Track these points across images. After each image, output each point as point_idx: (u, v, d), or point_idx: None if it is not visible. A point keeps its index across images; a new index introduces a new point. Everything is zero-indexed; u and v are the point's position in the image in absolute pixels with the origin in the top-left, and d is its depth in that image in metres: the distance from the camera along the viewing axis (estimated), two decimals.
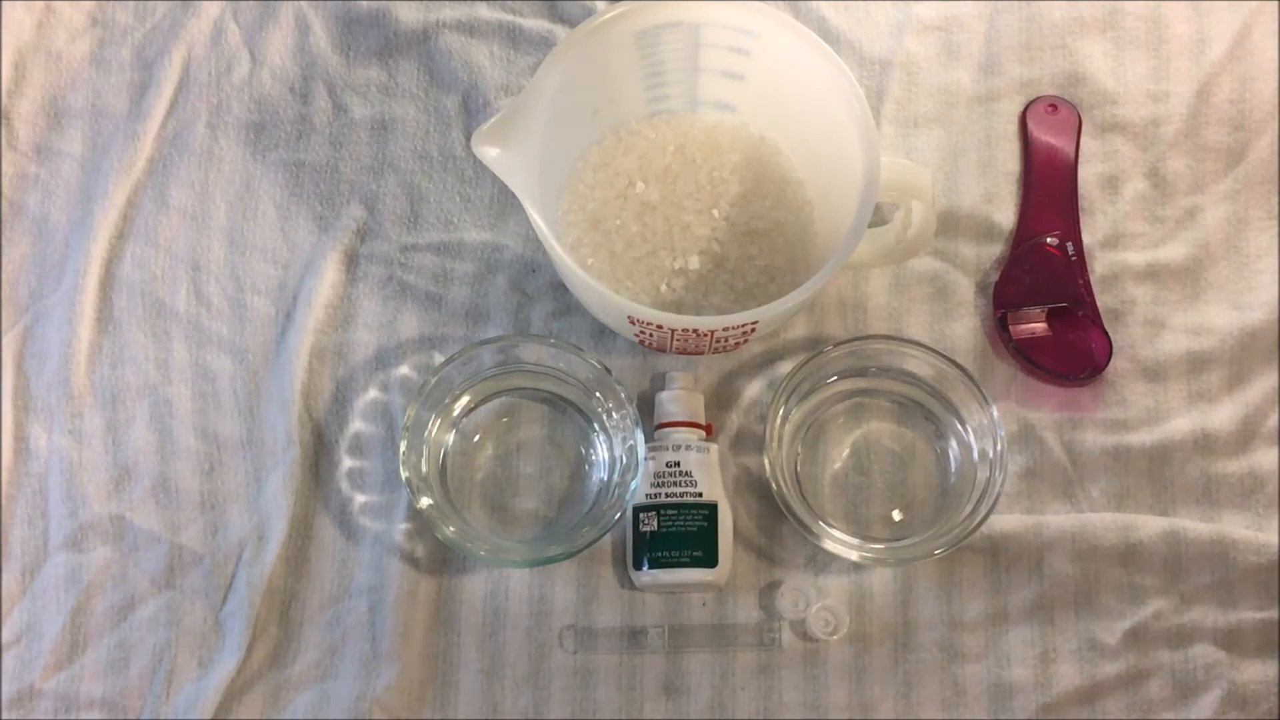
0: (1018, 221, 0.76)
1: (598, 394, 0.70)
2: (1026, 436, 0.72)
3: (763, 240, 0.72)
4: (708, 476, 0.69)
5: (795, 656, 0.69)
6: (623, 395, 0.68)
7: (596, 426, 0.71)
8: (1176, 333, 0.74)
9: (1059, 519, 0.70)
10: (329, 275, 0.74)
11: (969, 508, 0.68)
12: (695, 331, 0.66)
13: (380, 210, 0.76)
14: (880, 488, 0.71)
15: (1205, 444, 0.72)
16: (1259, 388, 0.73)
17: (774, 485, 0.68)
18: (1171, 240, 0.76)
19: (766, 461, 0.68)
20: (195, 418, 0.72)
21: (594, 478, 0.71)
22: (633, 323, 0.66)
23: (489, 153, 0.64)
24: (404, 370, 0.73)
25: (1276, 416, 0.72)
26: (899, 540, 0.69)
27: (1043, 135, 0.77)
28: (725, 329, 0.66)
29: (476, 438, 0.72)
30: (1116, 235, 0.76)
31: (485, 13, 0.79)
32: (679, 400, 0.70)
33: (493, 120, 0.64)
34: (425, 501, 0.67)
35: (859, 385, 0.72)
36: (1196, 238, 0.76)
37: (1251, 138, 0.77)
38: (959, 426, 0.71)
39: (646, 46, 0.70)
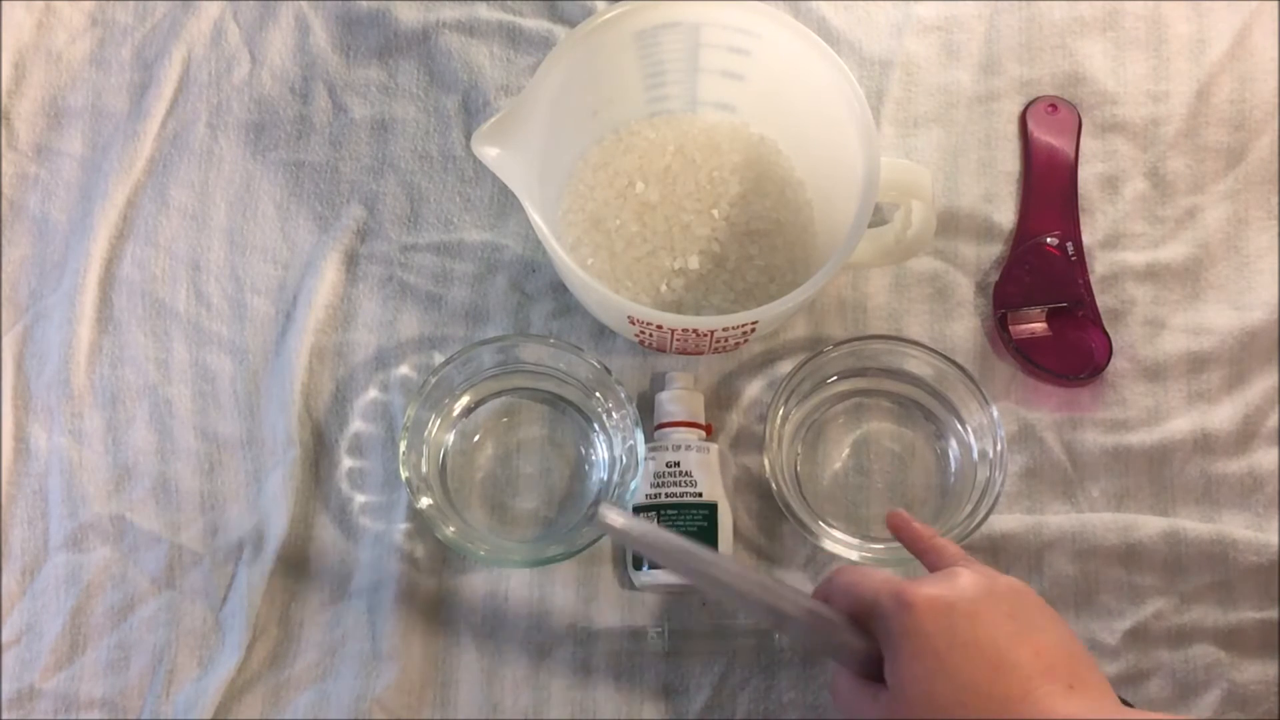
0: (1018, 221, 0.76)
1: (598, 394, 0.70)
2: (1026, 436, 0.72)
3: (763, 240, 0.72)
4: (708, 476, 0.69)
5: (795, 656, 0.69)
6: (623, 395, 0.68)
7: (596, 426, 0.71)
8: (1176, 333, 0.74)
9: (1059, 519, 0.70)
10: (329, 275, 0.74)
11: (969, 508, 0.68)
12: (695, 331, 0.66)
13: (380, 210, 0.76)
14: (880, 488, 0.71)
15: (1205, 444, 0.72)
16: (1259, 388, 0.73)
17: (774, 485, 0.68)
18: (1171, 240, 0.76)
19: (766, 461, 0.68)
20: (195, 418, 0.72)
21: (594, 478, 0.71)
22: (633, 323, 0.66)
23: (489, 153, 0.64)
24: (404, 370, 0.73)
25: (1276, 416, 0.72)
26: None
27: (1043, 135, 0.77)
28: (725, 329, 0.66)
29: (476, 438, 0.72)
30: (1116, 235, 0.76)
31: (485, 13, 0.79)
32: (679, 400, 0.70)
33: (493, 120, 0.64)
34: (425, 501, 0.67)
35: (859, 385, 0.72)
36: (1196, 238, 0.76)
37: (1251, 138, 0.77)
38: (959, 426, 0.71)
39: (646, 46, 0.70)
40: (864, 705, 0.57)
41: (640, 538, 0.59)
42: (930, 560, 0.60)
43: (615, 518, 0.59)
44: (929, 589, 0.55)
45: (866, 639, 0.57)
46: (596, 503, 0.61)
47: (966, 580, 0.55)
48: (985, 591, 0.55)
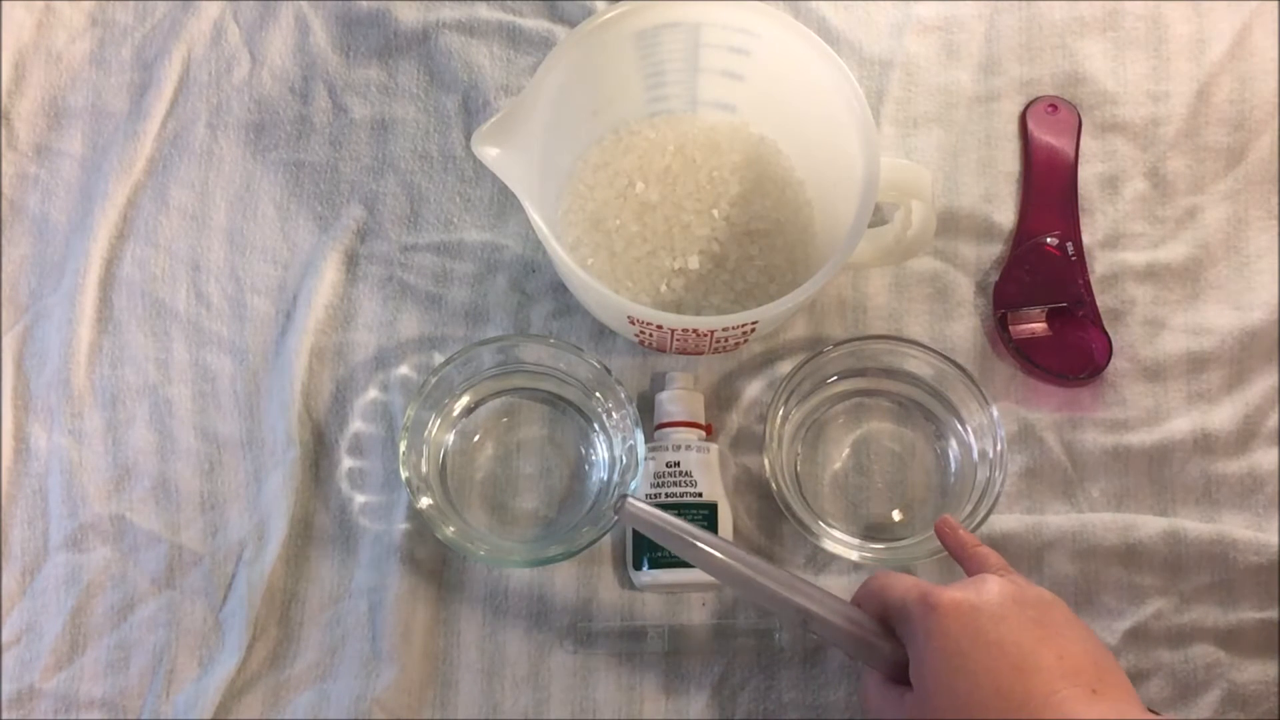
0: (1018, 221, 0.76)
1: (598, 394, 0.70)
2: (1026, 436, 0.72)
3: (763, 240, 0.72)
4: (708, 476, 0.69)
5: (795, 656, 0.69)
6: (623, 395, 0.68)
7: (596, 426, 0.71)
8: (1176, 333, 0.74)
9: (1059, 519, 0.70)
10: (329, 275, 0.74)
11: (969, 508, 0.68)
12: (695, 331, 0.66)
13: (380, 210, 0.76)
14: (880, 488, 0.71)
15: (1205, 444, 0.72)
16: (1259, 388, 0.73)
17: (774, 485, 0.68)
18: (1171, 240, 0.76)
19: (766, 461, 0.68)
20: (195, 418, 0.72)
21: (594, 478, 0.71)
22: (633, 323, 0.66)
23: (489, 153, 0.64)
24: (404, 370, 0.73)
25: (1276, 416, 0.72)
26: (899, 540, 0.69)
27: (1043, 135, 0.77)
28: (725, 329, 0.66)
29: (476, 438, 0.72)
30: (1116, 235, 0.76)
31: (485, 13, 0.79)
32: (679, 400, 0.70)
33: (493, 120, 0.64)
34: (425, 501, 0.67)
35: (859, 385, 0.72)
36: (1196, 238, 0.76)
37: (1251, 138, 0.77)
38: (959, 426, 0.71)
39: (646, 46, 0.70)
40: (891, 706, 0.57)
41: (663, 529, 0.60)
42: (971, 567, 0.61)
43: (640, 508, 0.60)
44: (955, 593, 0.55)
45: (894, 642, 0.58)
46: (624, 495, 0.61)
47: (994, 586, 0.56)
48: (1012, 598, 0.55)
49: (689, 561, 0.61)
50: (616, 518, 0.62)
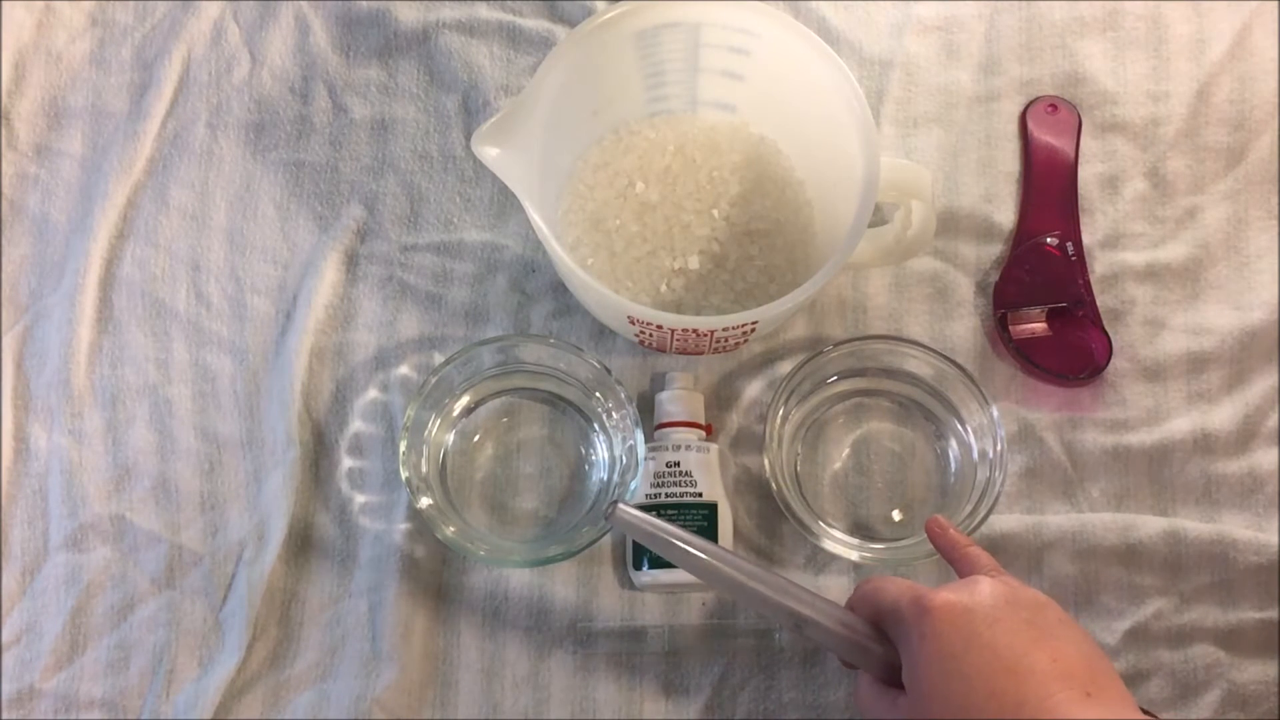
0: (1018, 221, 0.76)
1: (598, 394, 0.70)
2: (1026, 436, 0.72)
3: (763, 240, 0.72)
4: (708, 476, 0.69)
5: (795, 656, 0.69)
6: (623, 395, 0.68)
7: (596, 426, 0.71)
8: (1176, 333, 0.74)
9: (1059, 519, 0.70)
10: (329, 275, 0.74)
11: (969, 508, 0.68)
12: (695, 331, 0.66)
13: (380, 210, 0.76)
14: (880, 488, 0.71)
15: (1205, 444, 0.72)
16: (1259, 388, 0.73)
17: (774, 485, 0.68)
18: (1171, 240, 0.76)
19: (766, 461, 0.68)
20: (195, 418, 0.72)
21: (594, 478, 0.71)
22: (633, 323, 0.66)
23: (489, 153, 0.64)
24: (404, 370, 0.73)
25: (1276, 416, 0.72)
26: (899, 540, 0.69)
27: (1043, 135, 0.77)
28: (725, 329, 0.66)
29: (476, 438, 0.72)
30: (1116, 235, 0.76)
31: (485, 13, 0.79)
32: (679, 400, 0.70)
33: (493, 120, 0.64)
34: (425, 501, 0.67)
35: (859, 385, 0.72)
36: (1196, 238, 0.76)
37: (1251, 138, 0.77)
38: (959, 426, 0.71)
39: (646, 46, 0.70)
40: (884, 709, 0.57)
41: (655, 534, 0.60)
42: (963, 568, 0.61)
43: (631, 514, 0.60)
44: (947, 594, 0.55)
45: (888, 645, 0.58)
46: (614, 502, 0.61)
47: (986, 587, 0.56)
48: (1005, 599, 0.55)
49: (681, 567, 0.61)
50: (608, 524, 0.62)
